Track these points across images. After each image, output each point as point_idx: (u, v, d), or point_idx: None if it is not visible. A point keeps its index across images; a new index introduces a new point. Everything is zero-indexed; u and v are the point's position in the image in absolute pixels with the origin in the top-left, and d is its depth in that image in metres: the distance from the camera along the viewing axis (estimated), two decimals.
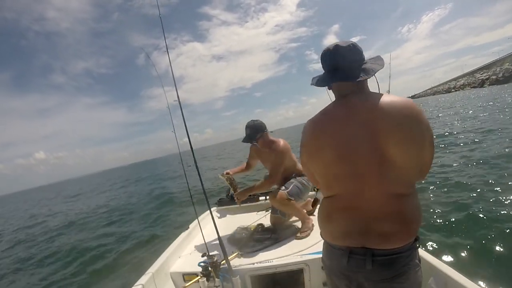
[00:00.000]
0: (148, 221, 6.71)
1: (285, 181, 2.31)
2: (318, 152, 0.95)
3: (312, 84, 1.00)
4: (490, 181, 4.05)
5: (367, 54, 1.00)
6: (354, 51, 0.93)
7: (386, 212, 0.85)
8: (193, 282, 1.67)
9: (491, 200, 3.44)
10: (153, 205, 8.67)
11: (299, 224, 2.24)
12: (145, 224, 6.48)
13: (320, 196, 2.62)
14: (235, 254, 1.90)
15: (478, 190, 3.80)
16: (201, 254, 1.77)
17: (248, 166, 2.63)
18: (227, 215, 2.95)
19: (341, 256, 0.91)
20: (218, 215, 2.96)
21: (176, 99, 1.78)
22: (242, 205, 3.03)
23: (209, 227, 1.89)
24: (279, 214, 2.28)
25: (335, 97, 0.99)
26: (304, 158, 1.04)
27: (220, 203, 3.14)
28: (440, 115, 16.86)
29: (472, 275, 1.35)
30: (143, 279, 1.65)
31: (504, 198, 3.40)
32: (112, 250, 5.06)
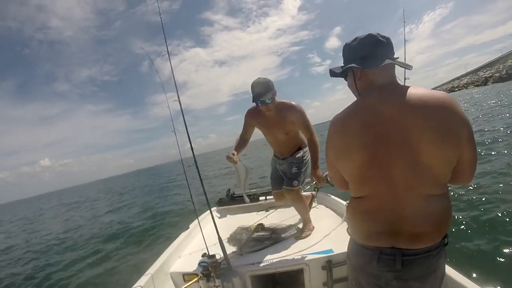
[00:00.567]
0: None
1: (294, 148, 2.18)
2: (347, 152, 0.89)
3: (351, 66, 0.90)
4: (495, 181, 4.01)
5: None
6: (391, 45, 0.90)
7: (418, 213, 0.83)
8: (193, 282, 1.67)
9: (492, 200, 3.40)
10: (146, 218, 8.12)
11: (299, 225, 2.24)
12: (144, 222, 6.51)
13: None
14: (235, 254, 1.90)
15: (481, 190, 3.76)
16: (201, 254, 1.77)
17: (244, 140, 2.16)
18: (227, 215, 2.95)
19: (371, 256, 0.89)
20: (218, 215, 2.96)
21: (177, 99, 1.78)
22: (242, 205, 3.03)
23: (209, 227, 1.88)
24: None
25: (364, 88, 0.92)
26: (331, 158, 0.98)
27: (220, 203, 3.14)
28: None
29: (472, 275, 1.33)
30: (143, 279, 1.65)
31: (504, 198, 3.37)
32: (112, 250, 5.09)
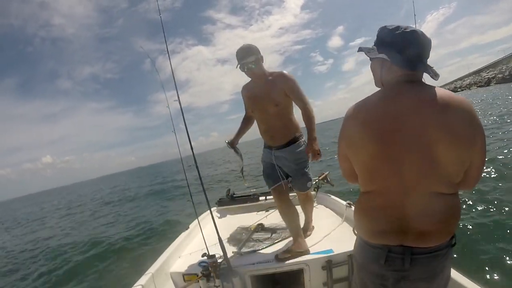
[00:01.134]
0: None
1: (289, 135, 1.91)
2: (360, 142, 0.88)
3: (384, 57, 0.87)
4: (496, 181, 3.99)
5: None
6: (430, 47, 0.88)
7: (427, 211, 0.82)
8: (193, 282, 1.67)
9: (492, 199, 3.38)
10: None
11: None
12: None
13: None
14: (235, 254, 1.90)
15: (483, 190, 3.74)
16: (201, 254, 1.77)
17: (247, 117, 2.12)
18: (227, 215, 2.95)
19: (378, 255, 0.88)
20: (218, 215, 2.96)
21: (177, 98, 1.78)
22: (242, 205, 3.03)
23: (209, 227, 1.88)
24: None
25: (387, 81, 0.91)
26: (343, 147, 0.96)
27: (220, 203, 3.14)
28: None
29: (473, 275, 1.32)
30: (143, 279, 1.66)
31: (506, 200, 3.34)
32: (113, 250, 5.10)
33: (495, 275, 2.19)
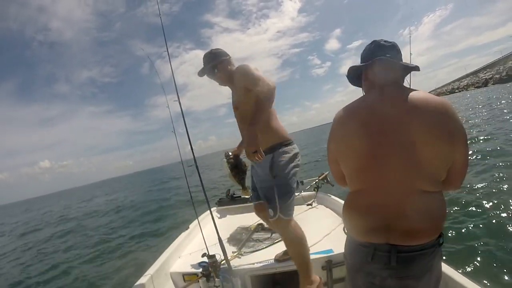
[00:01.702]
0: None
1: (267, 141, 1.49)
2: (346, 140, 0.95)
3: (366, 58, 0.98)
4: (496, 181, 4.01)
5: None
6: (395, 49, 0.97)
7: (412, 208, 0.84)
8: (193, 282, 1.67)
9: (493, 199, 3.40)
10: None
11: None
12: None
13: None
14: (235, 254, 1.90)
15: (479, 190, 3.77)
16: (201, 254, 1.77)
17: None
18: (227, 215, 2.95)
19: (366, 252, 0.90)
20: (218, 215, 2.96)
21: (176, 99, 1.78)
22: (242, 205, 3.02)
23: (209, 227, 1.88)
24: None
25: (368, 89, 1.00)
26: (332, 150, 1.03)
27: (220, 203, 3.14)
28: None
29: (473, 275, 1.33)
30: (143, 279, 1.65)
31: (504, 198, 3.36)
32: (113, 250, 5.08)
33: (488, 271, 2.19)
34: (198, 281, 1.66)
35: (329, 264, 1.65)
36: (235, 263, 1.74)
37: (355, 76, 1.07)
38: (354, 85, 1.10)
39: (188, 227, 2.46)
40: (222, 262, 1.67)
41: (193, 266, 1.79)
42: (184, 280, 1.77)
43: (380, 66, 0.94)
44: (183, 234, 2.33)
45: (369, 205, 0.91)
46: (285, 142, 1.55)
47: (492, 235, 2.70)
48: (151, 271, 1.74)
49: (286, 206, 1.48)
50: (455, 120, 0.83)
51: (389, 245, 0.86)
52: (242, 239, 2.09)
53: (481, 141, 6.80)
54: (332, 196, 2.67)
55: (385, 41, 0.98)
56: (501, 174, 4.19)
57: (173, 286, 1.81)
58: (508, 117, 9.75)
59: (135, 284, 1.62)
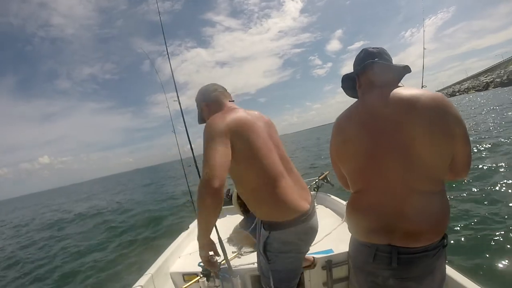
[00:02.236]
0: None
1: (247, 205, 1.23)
2: (344, 145, 0.97)
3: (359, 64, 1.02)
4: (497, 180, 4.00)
5: None
6: (383, 53, 1.00)
7: (412, 209, 0.83)
8: (193, 282, 1.67)
9: (493, 199, 3.39)
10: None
11: None
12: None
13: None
14: (235, 254, 1.89)
15: (479, 189, 3.75)
16: None
17: None
18: (227, 215, 2.94)
19: (368, 253, 0.90)
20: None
21: (176, 98, 1.79)
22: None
23: None
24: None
25: (362, 92, 1.02)
26: (333, 154, 1.06)
27: None
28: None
29: (473, 275, 1.32)
30: (143, 279, 1.65)
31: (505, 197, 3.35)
32: (112, 250, 5.07)
33: (488, 271, 2.18)
34: (198, 281, 1.66)
35: (329, 264, 1.64)
36: (235, 263, 1.74)
37: (350, 86, 1.09)
38: (350, 96, 1.12)
39: (188, 227, 2.46)
40: (222, 262, 1.67)
41: (193, 266, 1.78)
42: (184, 280, 1.77)
43: (371, 68, 0.97)
44: (183, 234, 2.32)
45: (370, 205, 0.91)
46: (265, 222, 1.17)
47: (492, 235, 2.69)
48: (151, 271, 1.73)
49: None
50: (452, 114, 0.82)
51: (391, 246, 0.86)
52: (242, 239, 2.09)
53: (482, 141, 6.80)
54: (332, 196, 2.66)
55: (373, 48, 1.01)
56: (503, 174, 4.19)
57: (173, 286, 1.81)
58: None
59: (135, 284, 1.61)
